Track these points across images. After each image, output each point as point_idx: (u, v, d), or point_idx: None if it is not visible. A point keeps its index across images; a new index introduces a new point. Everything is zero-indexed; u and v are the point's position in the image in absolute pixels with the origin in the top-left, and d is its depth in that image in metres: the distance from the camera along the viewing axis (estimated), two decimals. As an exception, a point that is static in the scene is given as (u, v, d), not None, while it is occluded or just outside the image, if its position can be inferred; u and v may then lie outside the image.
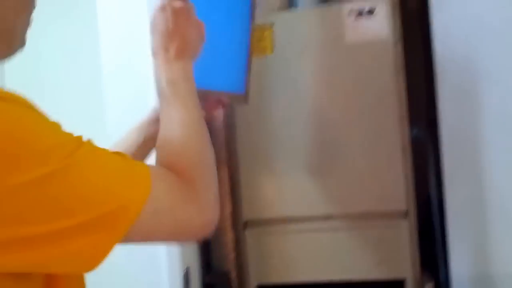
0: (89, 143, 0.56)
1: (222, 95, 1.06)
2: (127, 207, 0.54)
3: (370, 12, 1.40)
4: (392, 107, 1.40)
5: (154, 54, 0.78)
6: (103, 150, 0.58)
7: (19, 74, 1.48)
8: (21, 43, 0.65)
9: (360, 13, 1.41)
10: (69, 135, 0.54)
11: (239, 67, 1.19)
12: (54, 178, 0.50)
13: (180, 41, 0.77)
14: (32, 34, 0.67)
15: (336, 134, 1.46)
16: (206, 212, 0.66)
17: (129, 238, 0.56)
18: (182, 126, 0.71)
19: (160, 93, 0.75)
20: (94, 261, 0.53)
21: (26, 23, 0.65)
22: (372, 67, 1.43)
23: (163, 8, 0.78)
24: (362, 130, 1.44)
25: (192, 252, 1.53)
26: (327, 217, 1.46)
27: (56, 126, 0.54)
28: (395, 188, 1.41)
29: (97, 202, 0.53)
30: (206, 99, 0.97)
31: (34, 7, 0.66)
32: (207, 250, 1.63)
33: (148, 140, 0.94)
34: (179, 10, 0.78)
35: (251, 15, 1.20)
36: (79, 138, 0.55)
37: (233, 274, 1.59)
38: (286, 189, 1.50)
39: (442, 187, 1.43)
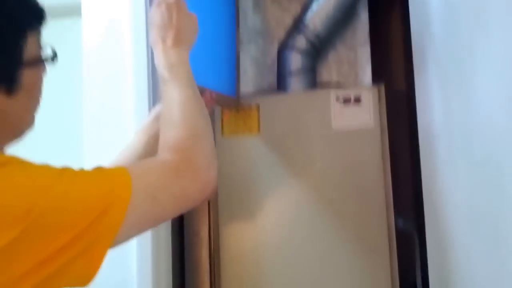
0: (69, 170, 0.64)
1: (216, 94, 1.15)
2: (112, 206, 0.62)
3: (357, 100, 1.41)
4: (378, 196, 1.39)
5: (153, 45, 0.88)
6: (81, 171, 0.65)
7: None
8: (31, 124, 0.74)
9: (347, 100, 1.42)
10: (53, 170, 0.62)
11: (229, 70, 1.30)
12: (49, 209, 0.58)
13: (175, 31, 0.87)
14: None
15: (320, 222, 1.43)
16: (200, 178, 0.75)
17: (136, 226, 0.66)
18: (178, 103, 0.81)
19: (160, 78, 0.86)
20: (96, 262, 0.61)
21: (36, 108, 0.74)
22: (358, 155, 1.43)
23: (158, 4, 0.89)
24: (347, 219, 1.41)
25: None
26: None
27: (42, 169, 0.62)
28: (381, 280, 1.37)
29: (87, 211, 0.60)
30: (201, 95, 1.05)
31: (41, 94, 0.75)
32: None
33: (153, 138, 1.02)
34: (172, 5, 0.88)
35: (236, 23, 1.35)
36: (61, 170, 0.63)
37: None
38: (269, 278, 1.44)
39: (427, 276, 1.40)
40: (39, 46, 0.73)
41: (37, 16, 0.73)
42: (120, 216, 0.62)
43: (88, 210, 0.60)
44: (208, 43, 1.17)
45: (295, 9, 1.66)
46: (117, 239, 0.64)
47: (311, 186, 1.46)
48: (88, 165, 0.68)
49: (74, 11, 1.50)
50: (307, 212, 1.44)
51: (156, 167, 0.73)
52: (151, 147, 1.03)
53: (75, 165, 0.67)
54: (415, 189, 1.45)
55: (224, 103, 1.31)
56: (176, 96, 0.82)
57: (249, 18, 1.71)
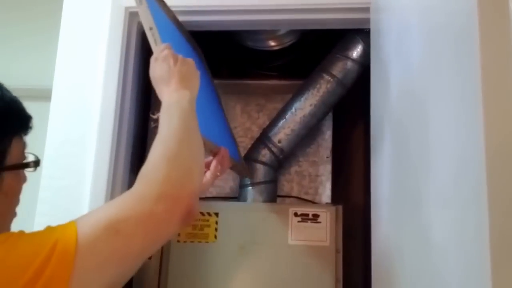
0: (16, 233, 0.64)
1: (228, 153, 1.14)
2: (58, 247, 0.59)
3: (315, 217, 1.42)
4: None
5: (160, 95, 0.88)
6: (31, 232, 0.64)
7: None
8: (7, 231, 0.72)
9: (305, 217, 1.43)
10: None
11: (229, 139, 1.35)
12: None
13: (178, 76, 0.87)
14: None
15: None
16: (167, 195, 0.68)
17: (104, 265, 0.62)
18: (160, 137, 0.78)
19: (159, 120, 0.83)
20: None
21: (12, 217, 0.74)
22: (313, 272, 1.41)
23: (155, 60, 0.91)
24: None
25: None
26: None
27: None
28: None
29: (26, 262, 0.58)
30: (215, 152, 1.06)
31: (18, 203, 0.75)
32: None
33: None
34: (167, 55, 0.90)
35: (219, 101, 1.44)
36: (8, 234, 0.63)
37: None
38: None
39: None
40: (22, 153, 0.74)
41: (23, 125, 0.75)
42: (67, 257, 0.59)
43: (27, 262, 0.58)
44: (208, 114, 1.22)
45: (263, 121, 1.72)
46: (88, 281, 0.60)
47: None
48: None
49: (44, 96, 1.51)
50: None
51: (117, 199, 0.69)
52: None
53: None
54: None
55: (234, 168, 1.31)
56: (161, 129, 0.79)
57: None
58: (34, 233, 0.64)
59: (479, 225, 0.66)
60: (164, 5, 1.27)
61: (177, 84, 0.87)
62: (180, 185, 0.71)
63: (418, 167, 0.93)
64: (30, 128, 0.76)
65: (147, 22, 1.01)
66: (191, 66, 0.93)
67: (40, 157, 0.85)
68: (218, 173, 1.04)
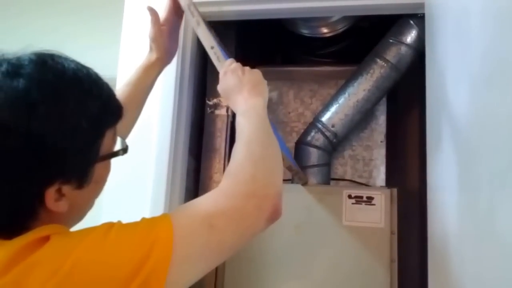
0: (116, 225, 0.65)
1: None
2: (154, 246, 0.62)
3: (369, 200, 1.45)
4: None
5: (233, 106, 0.95)
6: (130, 222, 0.67)
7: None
8: (91, 207, 0.77)
9: (359, 199, 1.46)
10: (100, 229, 0.64)
11: (287, 149, 1.48)
12: (101, 249, 0.61)
13: (249, 86, 0.93)
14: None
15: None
16: (254, 194, 0.74)
17: (198, 258, 0.67)
18: (241, 138, 0.84)
19: (236, 125, 0.88)
20: None
21: (99, 194, 0.78)
22: (367, 252, 1.44)
23: (224, 73, 0.98)
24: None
25: None
26: None
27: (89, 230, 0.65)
28: None
29: (126, 260, 0.60)
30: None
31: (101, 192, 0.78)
32: None
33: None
34: (235, 68, 0.97)
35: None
36: (108, 227, 0.65)
37: None
38: None
39: None
40: (113, 141, 0.75)
41: (116, 117, 0.75)
42: (165, 251, 0.62)
43: (128, 258, 0.60)
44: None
45: (316, 106, 1.75)
46: (182, 274, 0.64)
47: (317, 277, 1.47)
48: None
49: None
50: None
51: (209, 195, 0.74)
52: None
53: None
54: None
55: (295, 174, 1.45)
56: (242, 132, 0.85)
57: (272, 110, 1.80)
58: (133, 225, 0.66)
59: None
60: (216, 35, 1.33)
61: (249, 92, 0.93)
62: (266, 185, 0.77)
63: (479, 153, 0.94)
64: (122, 116, 0.76)
65: (208, 42, 1.05)
66: (259, 75, 0.99)
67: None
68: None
